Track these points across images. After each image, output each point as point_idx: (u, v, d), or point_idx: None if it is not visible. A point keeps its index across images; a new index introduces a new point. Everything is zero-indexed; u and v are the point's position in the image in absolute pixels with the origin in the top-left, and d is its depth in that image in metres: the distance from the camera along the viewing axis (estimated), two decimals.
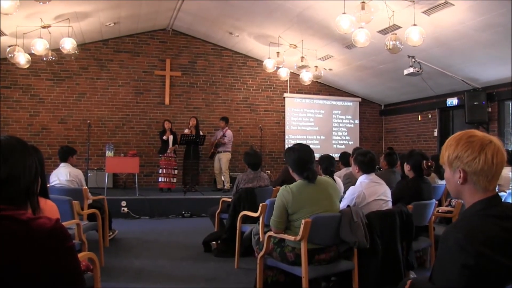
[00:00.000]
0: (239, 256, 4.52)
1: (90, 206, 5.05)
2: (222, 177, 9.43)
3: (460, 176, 1.46)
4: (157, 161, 9.65)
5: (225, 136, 9.38)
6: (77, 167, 6.01)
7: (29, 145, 1.51)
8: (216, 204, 5.48)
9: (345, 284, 3.28)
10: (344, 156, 6.03)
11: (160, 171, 9.08)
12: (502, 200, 1.46)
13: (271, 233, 3.18)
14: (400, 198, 3.83)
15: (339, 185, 4.57)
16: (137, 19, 9.29)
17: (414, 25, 6.09)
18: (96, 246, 4.63)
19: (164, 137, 9.02)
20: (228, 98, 10.99)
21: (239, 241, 4.50)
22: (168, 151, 9.02)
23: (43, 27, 7.56)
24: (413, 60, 7.98)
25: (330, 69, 10.33)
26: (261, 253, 3.22)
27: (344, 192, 4.12)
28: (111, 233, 5.76)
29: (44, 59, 8.13)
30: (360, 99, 12.09)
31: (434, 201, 3.96)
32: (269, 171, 10.65)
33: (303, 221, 2.91)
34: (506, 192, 4.74)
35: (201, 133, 9.19)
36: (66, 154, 5.35)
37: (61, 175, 5.21)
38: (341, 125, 11.92)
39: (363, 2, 5.87)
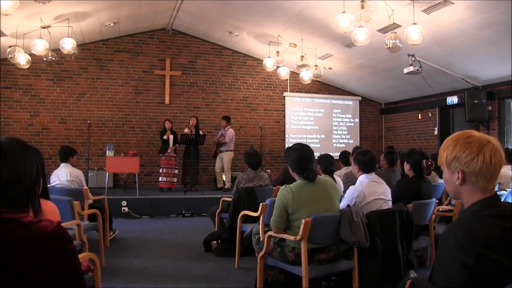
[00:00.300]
0: (239, 255, 4.52)
1: (90, 206, 5.06)
2: (223, 176, 9.43)
3: (458, 176, 1.47)
4: (157, 160, 9.66)
5: (224, 136, 9.38)
6: (77, 167, 6.03)
7: (30, 146, 1.51)
8: (216, 204, 5.48)
9: (345, 283, 3.29)
10: (344, 155, 6.03)
11: (161, 170, 9.08)
12: (502, 199, 1.46)
13: (271, 233, 3.18)
14: (400, 197, 3.83)
15: (339, 184, 4.57)
16: (136, 19, 9.29)
17: (414, 23, 6.09)
18: (97, 246, 4.65)
19: (165, 137, 9.02)
20: (228, 98, 10.99)
21: (240, 240, 4.51)
22: (169, 151, 9.03)
23: (43, 28, 7.56)
24: (413, 58, 7.98)
25: (330, 68, 10.33)
26: (261, 253, 3.23)
27: (344, 192, 4.12)
28: (111, 233, 5.77)
29: (44, 59, 8.14)
30: (360, 98, 12.09)
31: (434, 200, 3.96)
32: (269, 170, 10.66)
33: (303, 221, 2.91)
34: (506, 190, 4.75)
35: (201, 133, 9.19)
36: (66, 155, 5.37)
37: (62, 176, 5.22)
38: (341, 124, 11.92)
39: (362, 1, 5.87)
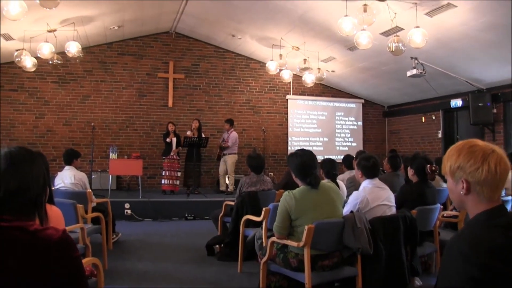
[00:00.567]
0: (242, 260, 4.52)
1: (94, 209, 5.09)
2: (227, 179, 9.43)
3: (463, 186, 1.45)
4: (160, 163, 9.66)
5: (226, 140, 9.38)
6: (81, 168, 6.08)
7: (35, 151, 1.53)
8: (219, 207, 5.48)
9: None
10: (347, 159, 6.01)
11: (164, 173, 9.09)
12: (509, 205, 1.45)
13: (274, 238, 3.18)
14: (404, 202, 3.82)
15: (342, 189, 4.56)
16: (140, 22, 9.32)
17: (417, 27, 6.07)
18: (100, 249, 4.66)
19: (168, 140, 9.04)
20: (231, 100, 10.99)
21: (242, 245, 4.50)
22: (172, 154, 9.05)
23: (49, 31, 7.62)
24: (416, 61, 7.96)
25: (333, 71, 10.32)
26: (264, 259, 3.22)
27: (348, 196, 4.12)
28: (114, 236, 5.78)
29: (50, 62, 8.19)
30: (363, 101, 12.06)
31: (438, 206, 3.95)
32: (272, 173, 10.65)
33: (306, 227, 2.90)
34: None
35: (203, 136, 9.19)
36: (70, 157, 5.42)
37: (66, 178, 5.26)
38: (344, 126, 11.89)
39: (365, 5, 5.86)
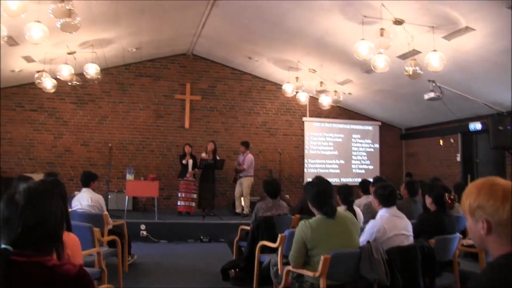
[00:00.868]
0: (257, 286, 4.46)
1: (110, 231, 5.11)
2: (242, 201, 9.41)
3: (483, 226, 1.40)
4: (176, 184, 9.69)
5: (242, 163, 9.39)
6: (98, 189, 6.14)
7: (52, 180, 1.57)
8: (234, 230, 5.47)
9: None
10: (364, 184, 5.94)
11: (180, 194, 9.13)
12: None
13: (289, 267, 3.14)
14: (422, 231, 3.74)
15: (359, 215, 4.50)
16: (158, 44, 9.51)
17: (434, 50, 6.05)
18: (115, 271, 4.66)
19: (184, 161, 9.10)
20: (247, 122, 11.05)
21: (258, 271, 4.45)
22: (188, 175, 9.09)
23: (69, 53, 7.84)
24: (434, 84, 7.90)
25: (350, 93, 10.31)
26: (280, 287, 3.18)
27: (364, 222, 4.06)
28: (130, 258, 5.78)
29: (69, 83, 8.37)
30: (380, 123, 11.98)
31: (458, 235, 3.85)
32: (288, 195, 10.58)
33: (322, 257, 2.87)
34: None
35: (217, 158, 9.21)
36: (88, 179, 5.47)
37: (83, 200, 5.31)
38: (360, 149, 11.80)
39: (382, 29, 5.88)
